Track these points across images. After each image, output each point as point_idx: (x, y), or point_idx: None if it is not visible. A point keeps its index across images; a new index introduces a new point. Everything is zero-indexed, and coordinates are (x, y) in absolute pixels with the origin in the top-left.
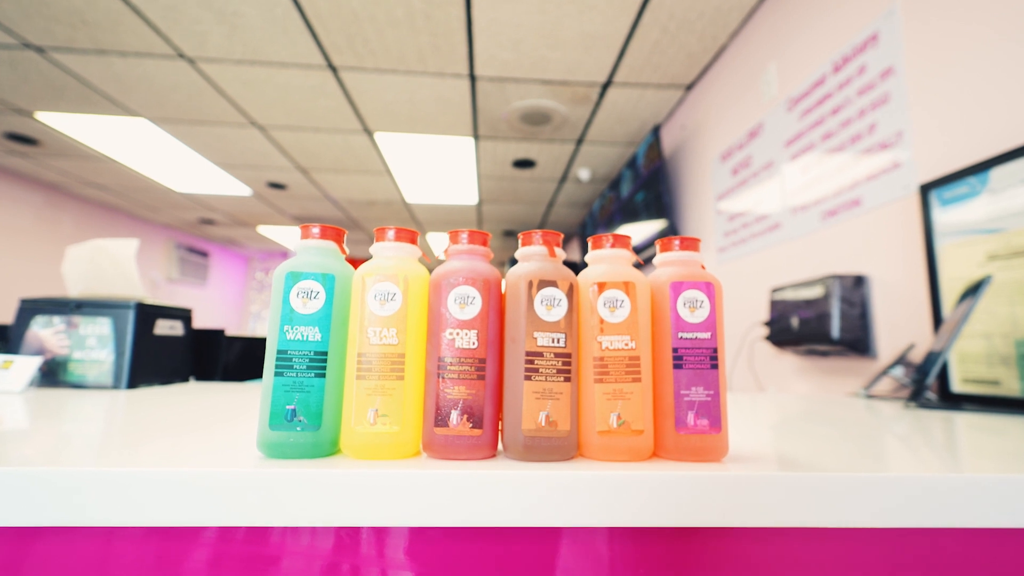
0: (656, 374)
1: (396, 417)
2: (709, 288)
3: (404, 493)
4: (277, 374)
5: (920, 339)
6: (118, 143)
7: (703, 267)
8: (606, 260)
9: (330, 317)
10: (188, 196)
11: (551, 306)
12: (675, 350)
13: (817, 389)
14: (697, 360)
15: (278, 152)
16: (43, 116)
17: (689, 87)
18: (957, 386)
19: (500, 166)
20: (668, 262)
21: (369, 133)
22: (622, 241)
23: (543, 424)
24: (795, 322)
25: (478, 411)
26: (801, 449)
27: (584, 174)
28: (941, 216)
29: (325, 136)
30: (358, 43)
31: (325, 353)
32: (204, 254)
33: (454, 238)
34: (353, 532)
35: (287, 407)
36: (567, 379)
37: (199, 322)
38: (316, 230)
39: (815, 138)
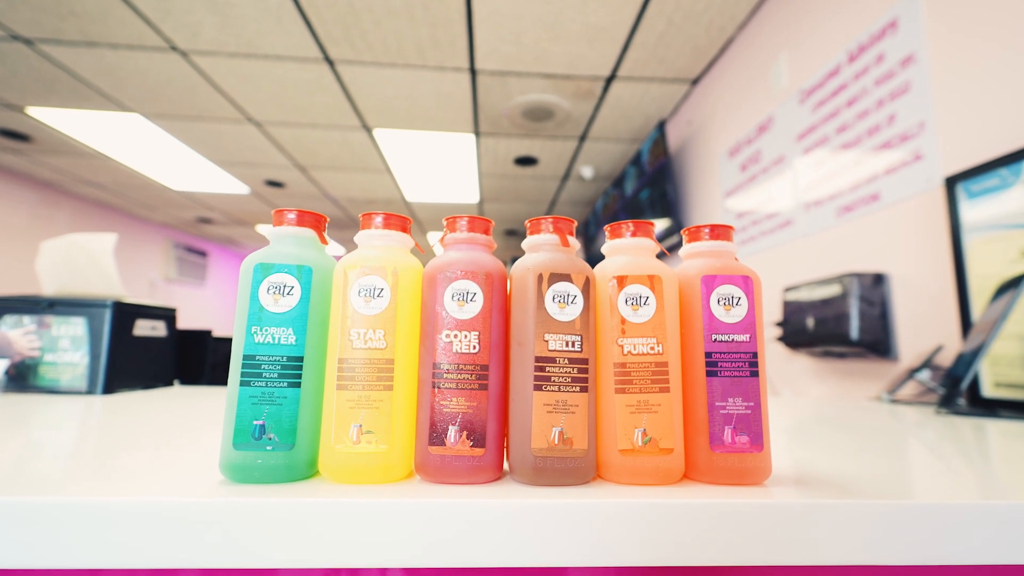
0: (686, 383)
1: (384, 434)
2: (746, 283)
3: (392, 525)
4: (243, 384)
5: (946, 340)
6: (112, 139)
7: (736, 259)
8: (627, 250)
9: (306, 316)
10: (185, 194)
11: (564, 304)
12: (708, 355)
13: (833, 392)
14: (734, 366)
15: (275, 149)
16: (35, 111)
17: (695, 81)
18: (988, 391)
19: (501, 164)
20: (698, 253)
21: (368, 130)
22: (644, 229)
23: (556, 442)
24: (810, 322)
25: (480, 427)
26: (848, 467)
27: (587, 172)
28: (969, 210)
29: (323, 132)
30: (355, 35)
31: (300, 359)
32: (202, 253)
33: (451, 226)
34: (333, 573)
35: (255, 422)
36: (583, 389)
37: (198, 322)
38: (292, 215)
39: (829, 131)
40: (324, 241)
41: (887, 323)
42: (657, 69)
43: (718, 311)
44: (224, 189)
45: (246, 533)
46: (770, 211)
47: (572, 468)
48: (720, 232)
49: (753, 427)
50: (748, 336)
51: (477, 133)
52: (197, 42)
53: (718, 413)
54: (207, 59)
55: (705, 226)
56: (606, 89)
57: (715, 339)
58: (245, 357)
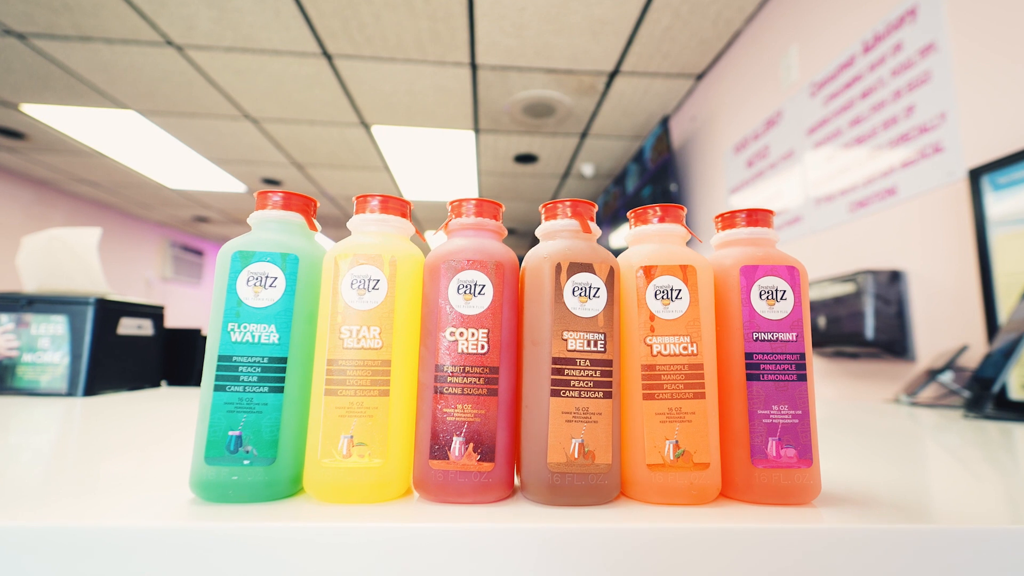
0: (723, 388)
1: (378, 446)
2: (792, 274)
3: (388, 552)
4: (218, 388)
5: (968, 340)
6: (108, 137)
7: (776, 247)
8: (654, 238)
9: (291, 312)
10: (181, 193)
11: (585, 297)
12: (749, 356)
13: (844, 394)
14: (779, 369)
15: (272, 147)
16: (29, 108)
17: (700, 76)
18: (1016, 393)
19: (501, 161)
20: (734, 241)
21: (366, 126)
22: (673, 213)
23: (575, 455)
24: (821, 322)
25: (488, 438)
26: (900, 481)
27: (588, 169)
28: (995, 204)
29: (321, 129)
30: (354, 28)
31: (284, 360)
32: (199, 252)
33: (457, 210)
34: None
35: (230, 433)
36: (607, 395)
37: (195, 322)
38: (277, 197)
39: (842, 124)
40: (313, 227)
41: (904, 322)
42: (662, 64)
43: (760, 306)
44: (221, 187)
45: (216, 564)
46: (778, 207)
47: (593, 485)
48: (760, 217)
49: (801, 438)
50: (795, 335)
51: (477, 130)
52: (192, 36)
53: (760, 422)
54: (203, 54)
55: (742, 211)
56: (609, 84)
57: (756, 338)
58: (220, 358)
